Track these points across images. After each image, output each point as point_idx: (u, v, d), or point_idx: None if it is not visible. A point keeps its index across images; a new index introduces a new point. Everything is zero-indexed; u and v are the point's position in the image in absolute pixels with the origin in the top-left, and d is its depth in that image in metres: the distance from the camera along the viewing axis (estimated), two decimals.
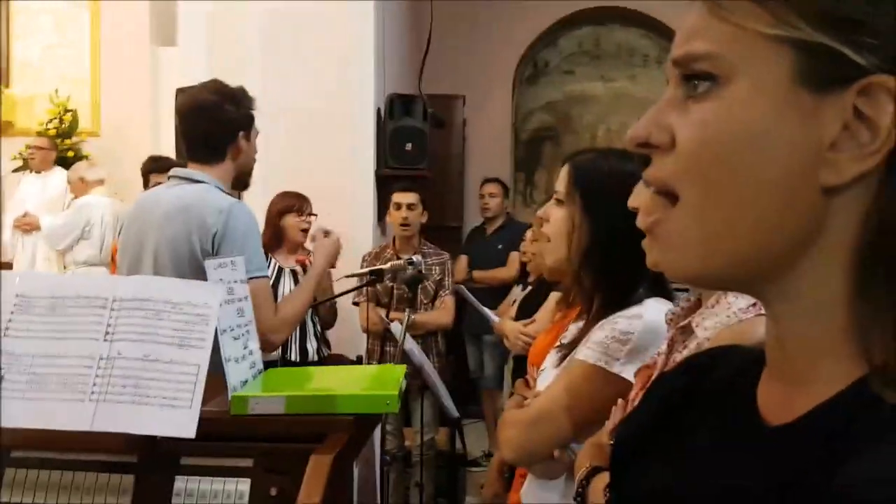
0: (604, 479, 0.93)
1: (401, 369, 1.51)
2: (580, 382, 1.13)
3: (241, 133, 1.82)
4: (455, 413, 2.06)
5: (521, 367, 2.33)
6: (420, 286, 2.63)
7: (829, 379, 0.39)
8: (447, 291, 2.97)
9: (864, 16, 0.37)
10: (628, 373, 1.08)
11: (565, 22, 6.17)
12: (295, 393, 1.29)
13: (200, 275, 1.64)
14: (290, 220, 2.88)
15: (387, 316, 2.68)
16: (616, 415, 1.00)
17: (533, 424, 1.17)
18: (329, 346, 2.97)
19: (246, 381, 1.41)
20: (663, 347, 0.97)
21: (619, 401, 1.02)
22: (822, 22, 0.37)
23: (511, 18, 5.93)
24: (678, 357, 0.89)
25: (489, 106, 5.95)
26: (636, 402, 0.95)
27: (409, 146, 3.62)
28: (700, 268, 0.43)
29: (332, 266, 2.08)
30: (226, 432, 1.30)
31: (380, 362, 2.77)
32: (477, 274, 4.07)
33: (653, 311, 1.11)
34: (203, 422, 1.23)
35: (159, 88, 4.91)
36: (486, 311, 2.99)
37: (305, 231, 2.88)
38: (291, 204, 2.90)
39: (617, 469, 0.56)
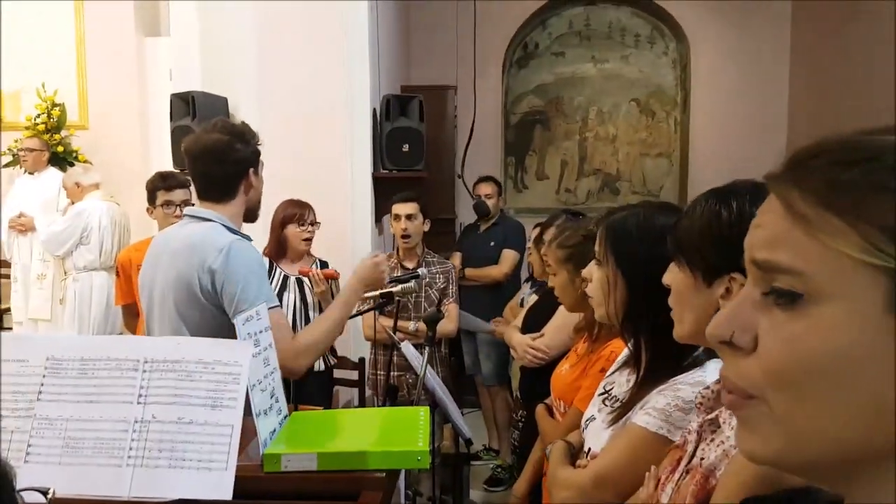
0: None
1: (425, 413, 1.55)
2: (641, 450, 1.11)
3: (250, 170, 1.84)
4: (468, 434, 2.11)
5: (528, 377, 2.36)
6: (439, 311, 2.62)
7: None
8: (451, 299, 2.99)
9: None
10: None
11: (555, 2, 6.10)
12: (326, 450, 1.32)
13: (206, 313, 1.73)
14: (292, 230, 2.89)
15: (395, 325, 2.68)
16: (649, 483, 1.02)
17: (593, 489, 1.17)
18: (335, 354, 3.00)
19: (274, 431, 1.44)
20: (693, 426, 0.98)
21: (653, 469, 1.03)
22: None
23: (499, 2, 5.86)
24: (707, 451, 0.91)
25: (479, 92, 5.92)
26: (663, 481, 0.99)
27: (405, 147, 3.61)
28: (779, 458, 0.44)
29: (372, 289, 2.01)
30: (258, 490, 1.33)
31: (387, 373, 2.79)
32: (469, 272, 4.03)
33: (715, 376, 1.07)
34: (236, 480, 1.26)
35: (147, 79, 4.84)
36: (486, 325, 3.01)
37: (308, 240, 2.90)
38: (293, 213, 2.91)
39: None
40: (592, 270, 1.31)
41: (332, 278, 2.74)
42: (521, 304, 3.19)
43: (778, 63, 5.90)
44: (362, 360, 3.04)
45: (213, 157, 1.78)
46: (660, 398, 1.13)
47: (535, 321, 2.43)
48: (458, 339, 4.07)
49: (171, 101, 3.41)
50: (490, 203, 4.14)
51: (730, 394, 0.47)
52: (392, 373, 2.80)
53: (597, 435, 1.26)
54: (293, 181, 3.15)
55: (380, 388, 2.87)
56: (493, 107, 6.12)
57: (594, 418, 1.30)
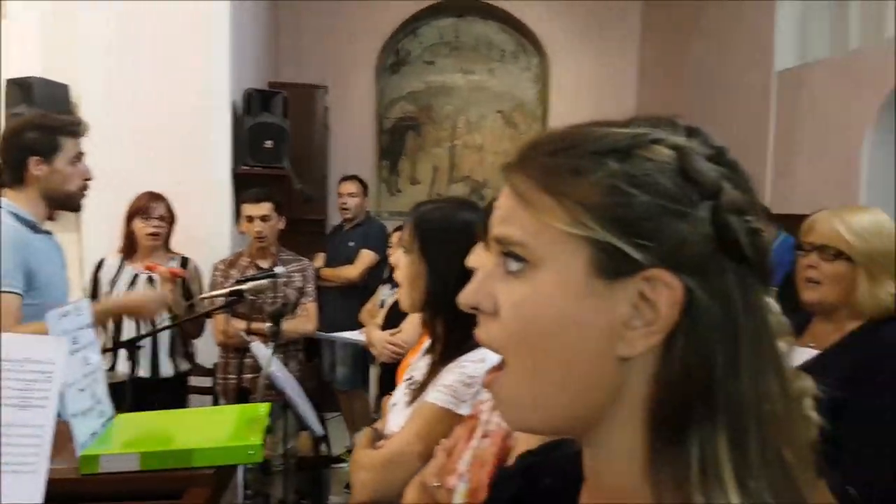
0: None
1: (265, 409, 1.51)
2: (431, 425, 1.20)
3: (33, 158, 1.88)
4: (320, 431, 2.08)
5: (388, 374, 2.37)
6: (284, 306, 2.58)
7: None
8: (310, 298, 2.92)
9: (644, 222, 0.44)
10: None
11: (427, 12, 6.21)
12: (150, 448, 1.26)
13: None
14: (138, 224, 2.72)
15: (248, 327, 2.59)
16: (439, 457, 1.07)
17: (386, 467, 1.22)
18: (191, 360, 2.84)
19: (95, 433, 1.36)
20: (486, 396, 1.04)
21: (442, 442, 1.09)
22: (611, 224, 0.44)
23: (372, 6, 5.89)
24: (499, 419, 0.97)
25: (350, 95, 5.90)
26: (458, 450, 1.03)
27: (268, 143, 3.53)
28: (535, 422, 0.50)
29: (134, 317, 2.24)
30: (75, 493, 1.25)
31: (238, 378, 2.68)
32: (324, 272, 3.90)
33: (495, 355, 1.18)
34: (49, 483, 1.18)
35: None
36: (348, 336, 2.98)
37: (154, 235, 2.71)
38: (138, 207, 2.74)
39: None
40: (400, 258, 1.36)
41: (179, 277, 2.60)
42: (382, 306, 3.18)
43: (627, 81, 6.34)
44: (217, 366, 2.92)
45: (4, 143, 1.87)
46: (448, 375, 1.21)
47: (396, 320, 2.45)
48: (319, 344, 4.00)
49: (6, 86, 3.14)
50: (353, 202, 4.04)
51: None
52: (243, 375, 2.69)
53: (397, 417, 1.31)
54: (148, 178, 2.99)
55: (229, 392, 2.75)
56: (367, 110, 6.13)
57: (396, 403, 1.36)
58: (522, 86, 6.58)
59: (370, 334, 2.58)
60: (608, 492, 0.49)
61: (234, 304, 2.26)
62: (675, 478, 0.43)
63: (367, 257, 3.89)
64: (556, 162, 0.47)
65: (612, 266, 0.44)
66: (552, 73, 6.34)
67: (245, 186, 3.20)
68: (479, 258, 1.11)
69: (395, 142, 6.55)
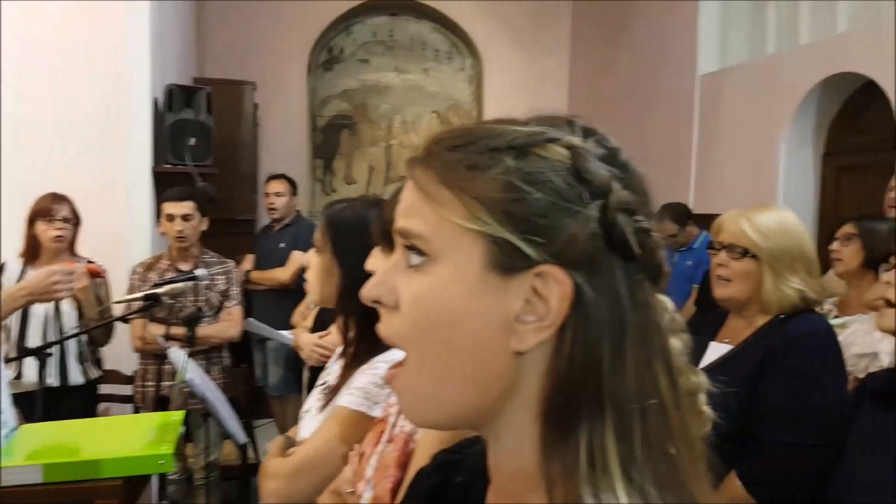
0: None
1: (178, 417, 1.46)
2: (343, 429, 1.15)
3: None
4: (242, 439, 2.01)
5: (317, 377, 2.33)
6: (199, 310, 2.49)
7: None
8: (234, 302, 2.83)
9: (537, 219, 0.44)
10: None
11: (360, 10, 6.16)
12: (54, 460, 1.20)
13: None
14: (40, 227, 2.58)
15: (167, 332, 2.49)
16: (353, 462, 1.05)
17: (296, 475, 1.17)
18: (100, 366, 2.72)
19: None
20: (393, 400, 1.01)
21: (356, 447, 1.06)
22: (506, 220, 0.45)
23: (303, 3, 5.80)
24: (405, 420, 0.95)
25: (282, 92, 5.79)
26: (369, 455, 1.02)
27: (191, 141, 3.41)
28: (434, 416, 0.50)
29: (41, 300, 2.01)
30: None
31: (157, 386, 2.56)
32: (254, 275, 3.80)
33: None
34: None
35: None
36: (281, 334, 2.89)
37: (58, 238, 2.57)
38: (40, 209, 2.59)
39: None
40: (311, 257, 1.35)
41: (96, 275, 2.46)
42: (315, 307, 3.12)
43: (559, 83, 6.46)
44: (136, 373, 2.80)
45: None
46: (361, 377, 1.18)
47: (325, 323, 2.41)
48: (249, 347, 3.89)
49: None
50: (280, 201, 3.94)
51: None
52: (162, 382, 2.58)
53: (309, 424, 1.28)
54: (64, 179, 2.85)
55: (148, 400, 2.64)
56: (300, 108, 6.03)
57: (309, 410, 1.33)
58: (457, 86, 6.60)
59: (298, 337, 2.53)
60: (507, 486, 0.50)
61: (151, 308, 2.16)
62: (564, 472, 0.44)
63: (298, 259, 3.76)
64: (456, 157, 0.47)
65: (506, 261, 0.45)
66: (486, 74, 6.39)
67: (167, 186, 3.08)
68: (376, 261, 1.10)
69: (329, 140, 6.46)
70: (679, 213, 4.03)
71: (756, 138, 4.11)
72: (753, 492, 1.43)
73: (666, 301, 0.50)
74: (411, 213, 0.48)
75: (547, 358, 0.45)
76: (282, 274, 3.80)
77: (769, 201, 3.88)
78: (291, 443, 1.29)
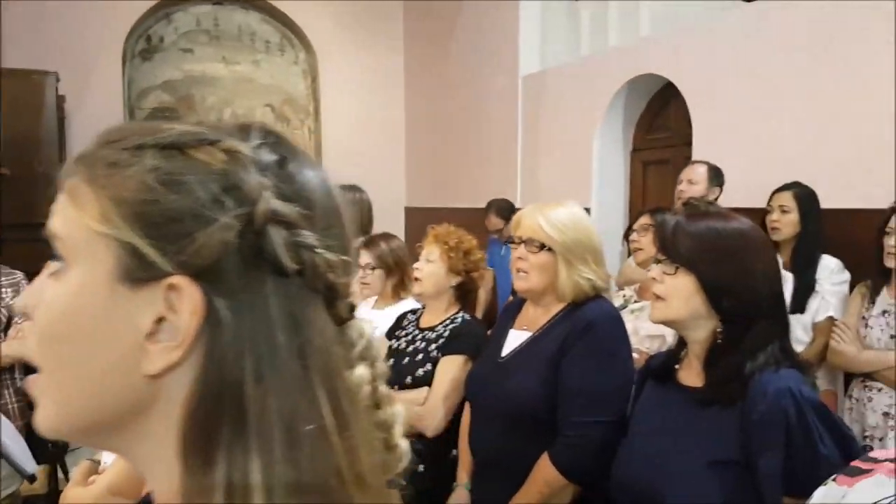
0: None
1: None
2: None
3: None
4: (28, 471, 1.80)
5: None
6: None
7: None
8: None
9: (171, 225, 0.40)
10: None
11: None
12: None
13: None
14: None
15: None
16: None
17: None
18: None
19: None
20: None
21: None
22: (136, 224, 0.40)
23: None
24: None
25: (94, 82, 5.31)
26: None
27: None
28: (58, 427, 0.44)
29: None
30: None
31: None
32: None
33: None
34: None
35: None
36: None
37: None
38: None
39: None
40: None
41: None
42: None
43: (395, 80, 6.49)
44: None
45: None
46: None
47: None
48: None
49: None
50: None
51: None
52: None
53: None
54: None
55: None
56: (114, 99, 5.54)
57: None
58: (292, 80, 6.41)
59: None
60: None
61: None
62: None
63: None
64: (102, 153, 0.43)
65: (136, 271, 0.40)
66: (322, 69, 6.26)
67: None
68: None
69: None
70: (502, 208, 4.19)
71: (573, 136, 4.36)
72: (565, 472, 1.51)
73: (361, 327, 0.47)
74: (57, 212, 0.43)
75: (191, 382, 0.41)
76: None
77: (585, 196, 4.16)
78: (96, 468, 1.17)
